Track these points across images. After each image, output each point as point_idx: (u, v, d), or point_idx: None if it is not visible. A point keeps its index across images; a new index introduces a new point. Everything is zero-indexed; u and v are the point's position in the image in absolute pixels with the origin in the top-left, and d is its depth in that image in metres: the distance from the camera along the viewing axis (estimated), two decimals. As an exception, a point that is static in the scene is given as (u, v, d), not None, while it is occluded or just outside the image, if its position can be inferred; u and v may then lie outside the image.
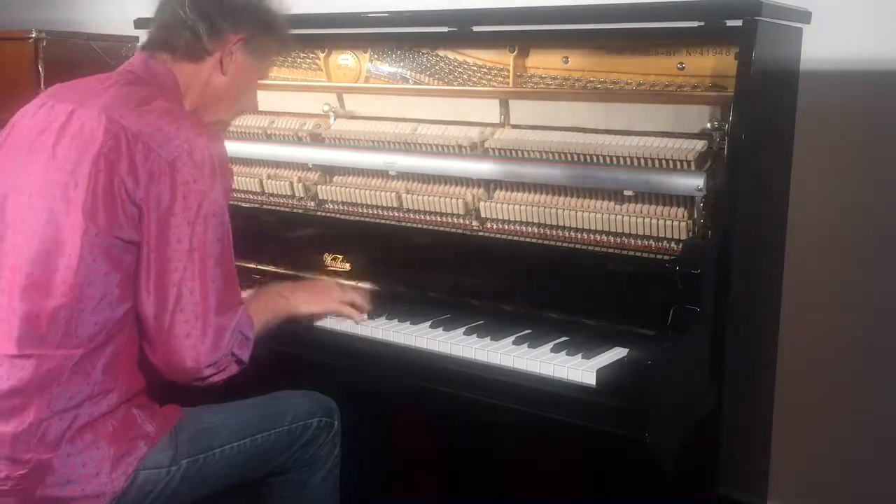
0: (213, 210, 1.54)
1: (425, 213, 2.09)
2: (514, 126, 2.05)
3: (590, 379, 1.56)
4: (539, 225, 1.93)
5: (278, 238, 2.22)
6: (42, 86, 2.72)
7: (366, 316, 1.91)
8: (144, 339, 1.56)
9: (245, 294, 1.73)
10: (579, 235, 1.88)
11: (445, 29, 2.14)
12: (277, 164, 2.37)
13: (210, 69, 1.71)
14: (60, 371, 1.53)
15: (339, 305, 1.89)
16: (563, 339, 1.72)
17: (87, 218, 1.52)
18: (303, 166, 2.32)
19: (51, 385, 1.52)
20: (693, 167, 1.77)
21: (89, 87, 1.66)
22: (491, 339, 1.74)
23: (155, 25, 1.72)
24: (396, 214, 2.14)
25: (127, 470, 1.55)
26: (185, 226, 1.51)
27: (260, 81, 1.84)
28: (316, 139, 2.29)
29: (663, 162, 1.79)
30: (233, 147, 2.40)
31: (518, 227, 1.97)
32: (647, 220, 1.80)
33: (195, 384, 1.56)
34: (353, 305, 1.90)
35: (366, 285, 2.03)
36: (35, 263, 1.55)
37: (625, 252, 1.81)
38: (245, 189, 2.40)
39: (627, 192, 1.83)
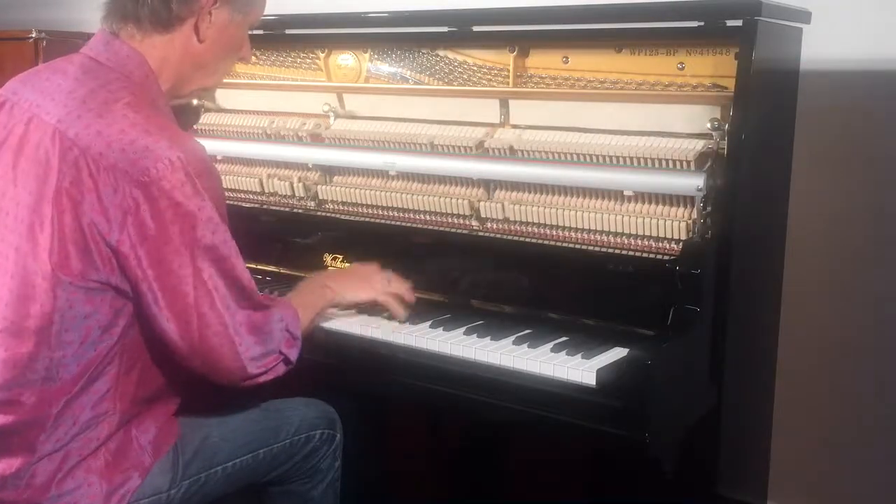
0: (210, 228, 1.44)
1: (425, 213, 2.09)
2: (514, 126, 2.05)
3: (590, 379, 1.56)
4: (539, 225, 1.93)
5: (278, 238, 2.22)
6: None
7: (406, 319, 1.83)
8: (181, 360, 1.50)
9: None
10: (579, 235, 1.88)
11: (445, 29, 2.14)
12: (277, 164, 2.37)
13: (185, 37, 1.52)
14: (45, 418, 1.44)
15: (384, 297, 1.82)
16: (563, 339, 1.72)
17: (56, 267, 1.41)
18: (303, 166, 2.32)
19: (36, 432, 1.44)
20: (693, 167, 1.77)
21: (48, 85, 1.51)
22: (491, 339, 1.74)
23: None
24: (396, 214, 2.14)
25: (121, 503, 1.48)
26: (182, 250, 1.41)
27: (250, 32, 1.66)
28: (316, 139, 2.29)
29: (663, 162, 1.79)
30: (232, 147, 2.43)
31: (518, 227, 1.96)
32: (647, 220, 1.79)
33: (244, 385, 1.52)
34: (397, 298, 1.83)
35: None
36: (10, 306, 1.45)
37: (625, 252, 1.81)
38: (245, 189, 2.40)
39: (627, 192, 1.83)
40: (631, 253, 1.80)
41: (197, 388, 1.62)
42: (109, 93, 1.46)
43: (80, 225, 1.40)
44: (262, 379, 1.53)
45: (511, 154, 1.98)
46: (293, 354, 1.57)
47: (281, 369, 1.56)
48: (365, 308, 1.91)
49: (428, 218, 2.09)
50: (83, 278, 1.42)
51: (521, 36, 2.04)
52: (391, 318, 1.87)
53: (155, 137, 1.41)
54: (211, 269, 1.45)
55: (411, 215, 2.11)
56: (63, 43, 3.00)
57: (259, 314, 1.52)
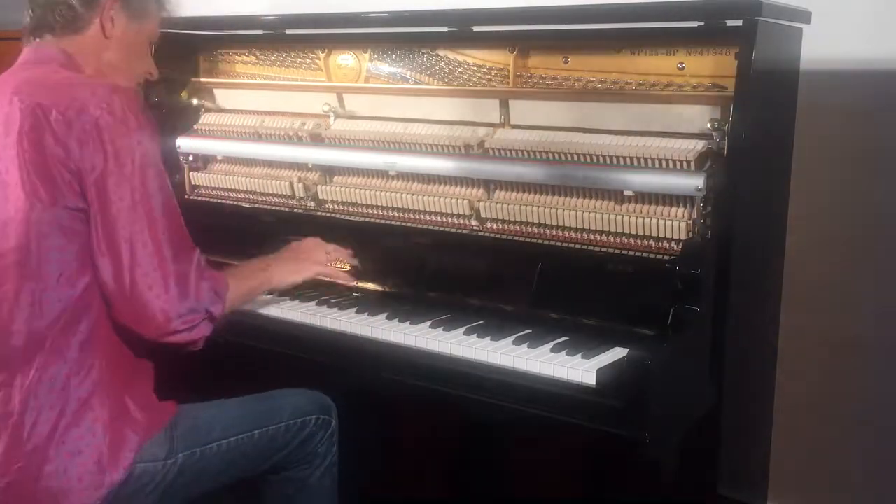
0: (148, 161, 1.55)
1: (425, 213, 2.09)
2: (514, 126, 2.05)
3: (590, 379, 1.56)
4: (539, 225, 1.93)
5: (278, 238, 2.21)
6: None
7: (355, 281, 1.96)
8: (110, 304, 1.57)
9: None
10: (579, 235, 1.88)
11: (445, 29, 2.14)
12: (277, 165, 2.37)
13: (96, 37, 1.71)
14: (33, 354, 1.54)
15: (321, 269, 1.94)
16: (563, 339, 1.72)
17: (28, 195, 1.54)
18: (303, 166, 2.32)
19: (26, 369, 1.54)
20: (693, 167, 1.77)
21: None
22: (491, 339, 1.74)
23: (30, 10, 1.72)
24: (396, 214, 2.14)
25: (124, 462, 1.55)
26: (123, 182, 1.53)
27: (151, 41, 1.82)
28: (316, 139, 2.29)
29: (663, 162, 1.79)
30: (232, 147, 2.43)
31: (518, 227, 1.96)
32: (647, 220, 1.80)
33: (167, 340, 1.57)
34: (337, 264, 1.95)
35: (366, 285, 2.03)
36: None
37: (625, 252, 1.81)
38: (244, 189, 2.40)
39: (627, 192, 1.83)
40: (631, 253, 1.80)
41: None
42: (49, 69, 1.65)
43: (43, 157, 1.53)
44: (188, 337, 1.58)
45: (511, 154, 1.99)
46: (217, 310, 1.61)
47: (206, 328, 1.61)
48: (365, 307, 1.91)
49: (428, 218, 2.09)
50: (53, 205, 1.54)
51: (522, 36, 2.04)
52: (391, 318, 1.87)
53: (97, 84, 1.60)
54: (149, 214, 1.54)
55: (411, 215, 2.11)
56: (63, 43, 2.99)
57: (191, 272, 1.58)
